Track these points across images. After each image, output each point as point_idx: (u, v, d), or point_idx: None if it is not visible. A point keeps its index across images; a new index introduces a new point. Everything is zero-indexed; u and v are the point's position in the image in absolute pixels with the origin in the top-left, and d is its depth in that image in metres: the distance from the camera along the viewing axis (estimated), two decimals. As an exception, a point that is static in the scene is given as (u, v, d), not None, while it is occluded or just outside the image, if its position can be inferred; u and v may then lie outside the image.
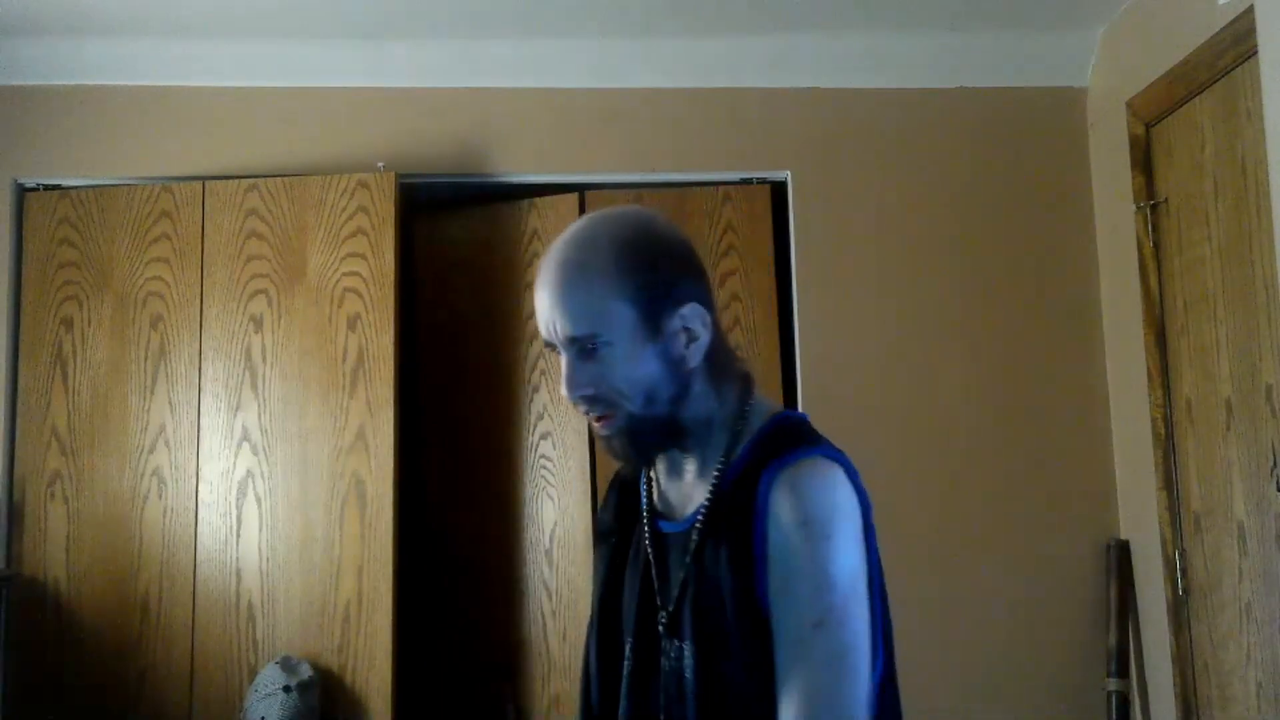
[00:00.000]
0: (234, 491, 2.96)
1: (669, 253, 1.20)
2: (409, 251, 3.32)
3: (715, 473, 1.20)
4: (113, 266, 3.04)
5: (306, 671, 2.77)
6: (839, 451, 1.22)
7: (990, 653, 3.03)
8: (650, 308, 1.16)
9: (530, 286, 3.44)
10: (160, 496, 2.96)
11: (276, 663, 2.77)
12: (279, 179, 3.06)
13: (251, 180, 3.06)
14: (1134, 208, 2.91)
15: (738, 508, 1.16)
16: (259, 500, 2.95)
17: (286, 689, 2.70)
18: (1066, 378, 3.15)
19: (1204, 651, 2.65)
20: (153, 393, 3.00)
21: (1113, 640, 2.95)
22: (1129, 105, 2.94)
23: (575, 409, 1.22)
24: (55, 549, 2.94)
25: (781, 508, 1.13)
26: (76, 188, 3.09)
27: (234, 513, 2.95)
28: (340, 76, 3.15)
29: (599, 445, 3.07)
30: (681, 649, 1.18)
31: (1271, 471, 2.37)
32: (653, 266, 1.17)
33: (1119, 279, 3.05)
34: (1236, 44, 2.42)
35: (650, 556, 1.25)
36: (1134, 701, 2.96)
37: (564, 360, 1.18)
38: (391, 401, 2.94)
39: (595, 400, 1.17)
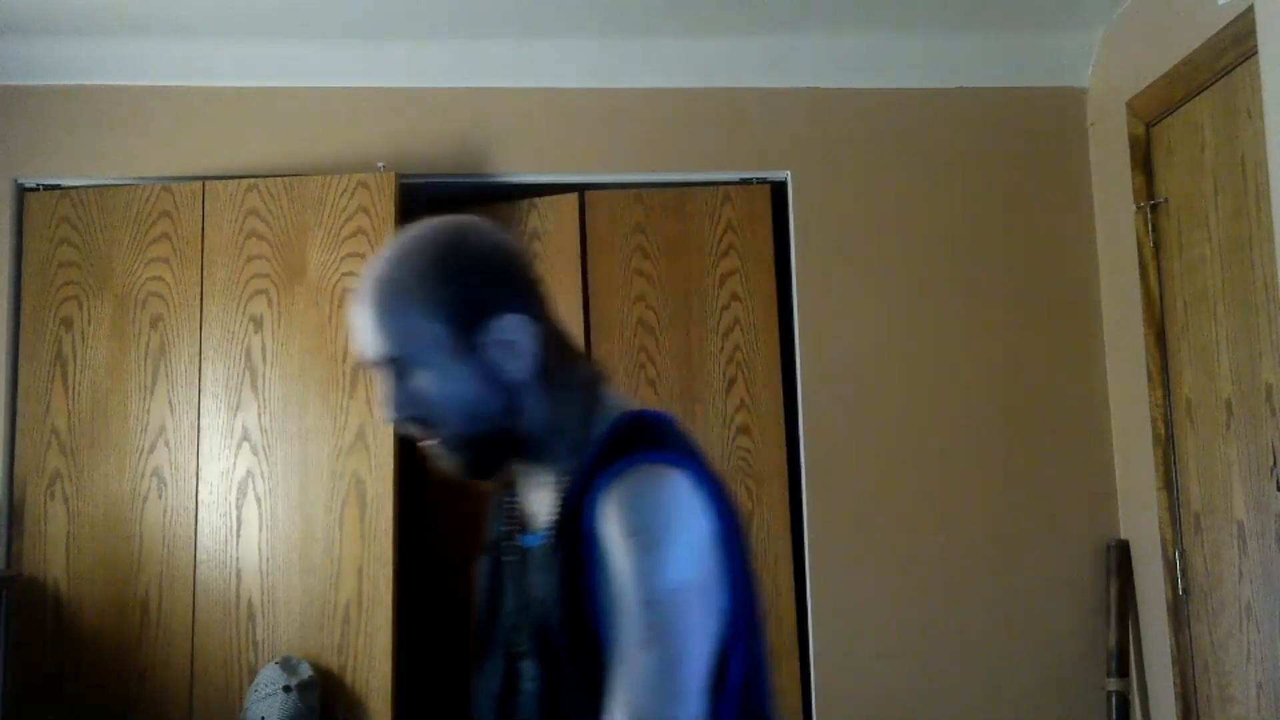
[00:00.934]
0: (234, 491, 2.96)
1: (483, 264, 1.14)
2: (409, 251, 3.31)
3: (563, 483, 1.15)
4: (113, 266, 3.04)
5: (306, 671, 2.77)
6: (687, 456, 1.13)
7: (990, 653, 3.03)
8: (461, 323, 1.11)
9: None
10: (160, 496, 2.96)
11: (276, 663, 2.77)
12: (279, 179, 3.06)
13: (251, 180, 3.06)
14: (1134, 208, 2.91)
15: (571, 520, 1.11)
16: (259, 500, 2.95)
17: (286, 689, 2.70)
18: (1066, 378, 3.15)
19: (1204, 651, 2.65)
20: (153, 393, 3.00)
21: (1113, 640, 2.95)
22: (1129, 105, 2.94)
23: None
24: (55, 549, 2.94)
25: (608, 520, 1.06)
26: (76, 188, 3.09)
27: (234, 513, 2.95)
28: (340, 76, 3.15)
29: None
30: (528, 669, 1.16)
31: (1271, 471, 2.37)
32: (462, 280, 1.12)
33: (1119, 279, 3.05)
34: (1236, 44, 2.42)
35: (509, 571, 1.23)
36: (1134, 701, 2.96)
37: (381, 382, 1.15)
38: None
39: (415, 422, 1.14)
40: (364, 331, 1.13)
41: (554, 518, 1.13)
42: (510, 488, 1.27)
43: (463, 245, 1.15)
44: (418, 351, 1.11)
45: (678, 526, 1.06)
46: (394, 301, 1.11)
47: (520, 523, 1.24)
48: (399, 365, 1.12)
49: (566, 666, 1.09)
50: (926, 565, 3.05)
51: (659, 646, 1.03)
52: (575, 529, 1.10)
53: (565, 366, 1.19)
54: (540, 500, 1.20)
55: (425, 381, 1.11)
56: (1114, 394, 3.12)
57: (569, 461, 1.15)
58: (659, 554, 1.05)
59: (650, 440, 1.13)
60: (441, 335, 1.11)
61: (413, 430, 1.15)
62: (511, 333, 1.13)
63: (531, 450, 1.18)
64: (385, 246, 1.17)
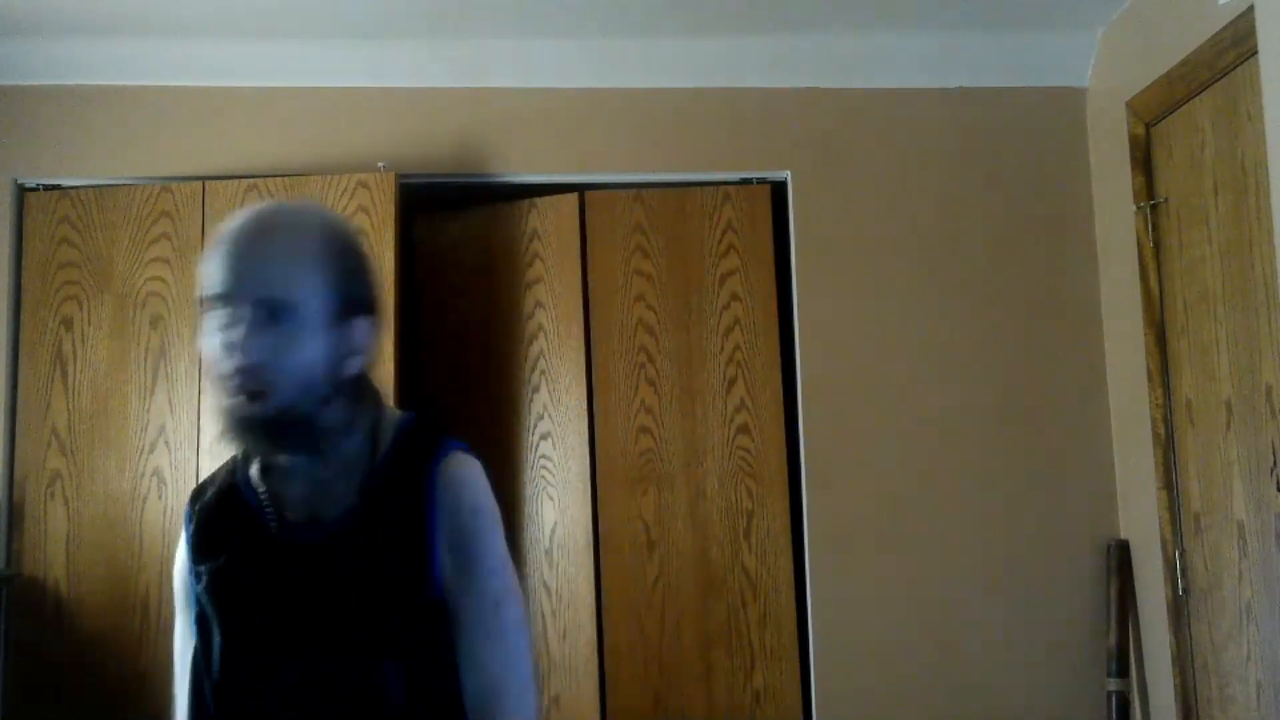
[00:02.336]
0: (234, 491, 2.96)
1: (369, 264, 1.24)
2: (409, 251, 3.32)
3: (360, 476, 1.20)
4: (113, 266, 3.04)
5: (306, 671, 2.77)
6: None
7: (990, 652, 3.03)
8: (344, 298, 1.18)
9: (530, 286, 3.42)
10: (160, 496, 2.96)
11: (276, 663, 2.77)
12: (279, 179, 3.06)
13: (251, 180, 3.06)
14: (1134, 208, 2.91)
15: (400, 505, 1.19)
16: (259, 500, 2.95)
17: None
18: (1066, 378, 3.15)
19: (1204, 651, 2.65)
20: (153, 393, 3.00)
21: (1113, 640, 2.95)
22: (1129, 105, 2.94)
23: (217, 378, 1.14)
24: (55, 549, 2.94)
25: (453, 498, 1.20)
26: (76, 188, 3.09)
27: (234, 513, 2.95)
28: (340, 76, 3.15)
29: (598, 445, 3.08)
30: (341, 658, 1.15)
31: (1271, 471, 2.37)
32: (357, 264, 1.21)
33: (1119, 279, 3.05)
34: (1236, 44, 2.42)
35: (293, 566, 1.18)
36: (1134, 701, 2.96)
37: (236, 322, 1.13)
38: (392, 401, 2.93)
39: (255, 374, 1.13)
40: (246, 263, 1.14)
41: (364, 507, 1.18)
42: (230, 491, 1.24)
43: (358, 238, 1.24)
44: (298, 310, 1.14)
45: (495, 506, 1.24)
46: (295, 250, 1.15)
47: (287, 520, 1.20)
48: (273, 312, 1.13)
49: (399, 645, 1.15)
50: (926, 565, 3.05)
51: (515, 603, 1.21)
52: (411, 511, 1.18)
53: (369, 382, 1.27)
54: (316, 495, 1.20)
55: (285, 339, 1.13)
56: (1114, 394, 3.12)
57: (360, 456, 1.21)
58: (499, 529, 1.23)
59: (445, 431, 1.26)
60: (320, 308, 1.16)
61: (241, 382, 1.13)
62: (363, 334, 1.21)
63: (324, 441, 1.20)
64: (270, 204, 1.21)
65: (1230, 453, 2.54)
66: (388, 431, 1.24)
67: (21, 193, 3.09)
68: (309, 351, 1.15)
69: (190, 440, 2.98)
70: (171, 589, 3.08)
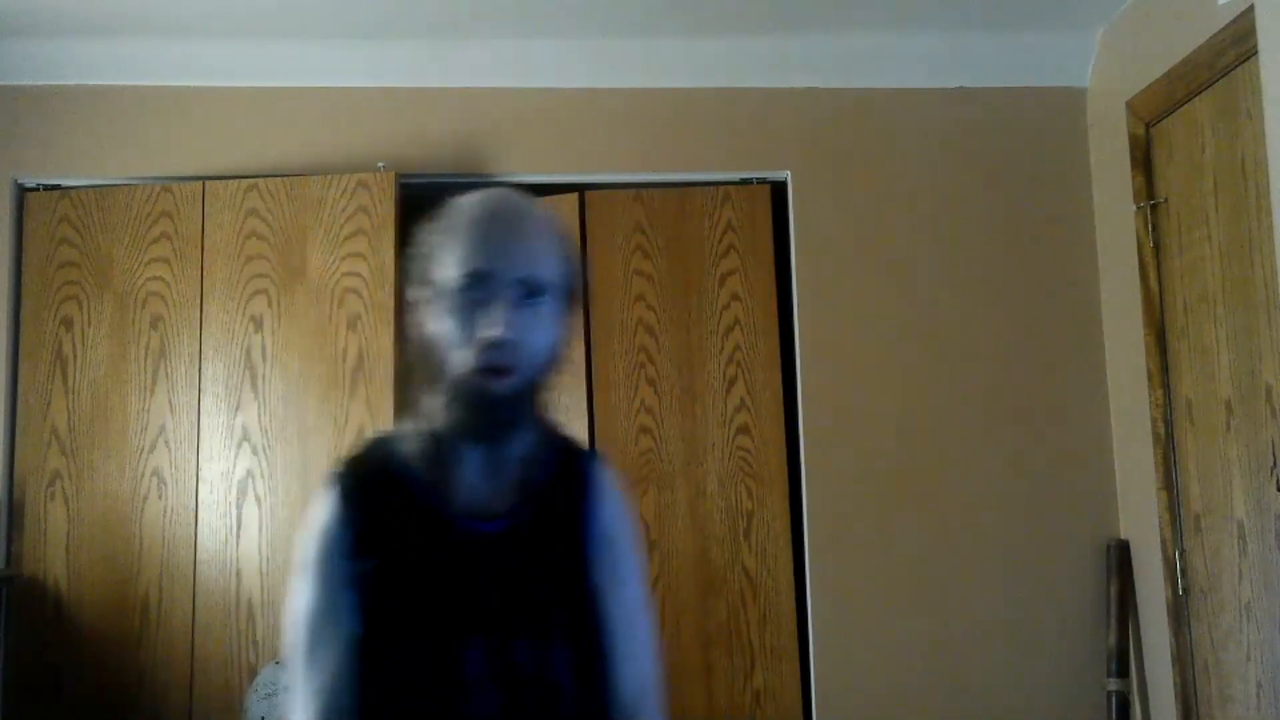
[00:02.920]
0: (234, 491, 2.96)
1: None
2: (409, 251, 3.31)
3: (527, 472, 1.23)
4: (113, 266, 3.04)
5: (306, 671, 2.77)
6: None
7: (990, 652, 3.02)
8: (573, 289, 1.24)
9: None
10: (160, 496, 2.96)
11: (276, 663, 2.77)
12: (279, 179, 3.06)
13: (251, 180, 3.06)
14: (1134, 208, 2.91)
15: (566, 505, 1.24)
16: (259, 500, 2.95)
17: (287, 689, 2.70)
18: (1066, 378, 3.15)
19: (1204, 651, 2.65)
20: (153, 393, 3.00)
21: (1113, 640, 2.95)
22: (1129, 105, 2.94)
23: (471, 353, 1.14)
24: (55, 549, 2.95)
25: (610, 502, 1.28)
26: (76, 188, 3.09)
27: (234, 513, 2.96)
28: (340, 76, 3.15)
29: (598, 445, 3.07)
30: (521, 648, 1.17)
31: (1271, 471, 2.37)
32: (578, 259, 1.27)
33: (1119, 279, 3.05)
34: (1236, 44, 2.42)
35: (473, 555, 1.19)
36: (1134, 701, 2.96)
37: (494, 298, 1.14)
38: (391, 401, 2.94)
39: (508, 350, 1.14)
40: (514, 245, 1.17)
41: (539, 499, 1.22)
42: (441, 479, 1.22)
43: None
44: (548, 292, 1.18)
45: None
46: (551, 238, 1.22)
47: (460, 508, 1.20)
48: (530, 292, 1.16)
49: (576, 634, 1.20)
50: (926, 565, 3.05)
51: (648, 613, 1.29)
52: (574, 510, 1.24)
53: None
54: (488, 483, 1.21)
55: (536, 320, 1.17)
56: (1114, 394, 3.12)
57: (527, 448, 1.23)
58: (638, 537, 1.31)
59: (587, 445, 1.38)
60: (560, 294, 1.21)
61: (493, 357, 1.14)
62: (572, 325, 1.27)
63: (519, 427, 1.21)
64: (502, 192, 1.23)
65: (1230, 453, 2.54)
66: (546, 427, 1.28)
67: (21, 193, 3.09)
68: (551, 335, 1.19)
69: (190, 440, 2.98)
70: (168, 588, 3.07)
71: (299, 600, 1.19)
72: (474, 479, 1.21)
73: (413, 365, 1.22)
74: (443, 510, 1.19)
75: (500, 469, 1.22)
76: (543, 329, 1.17)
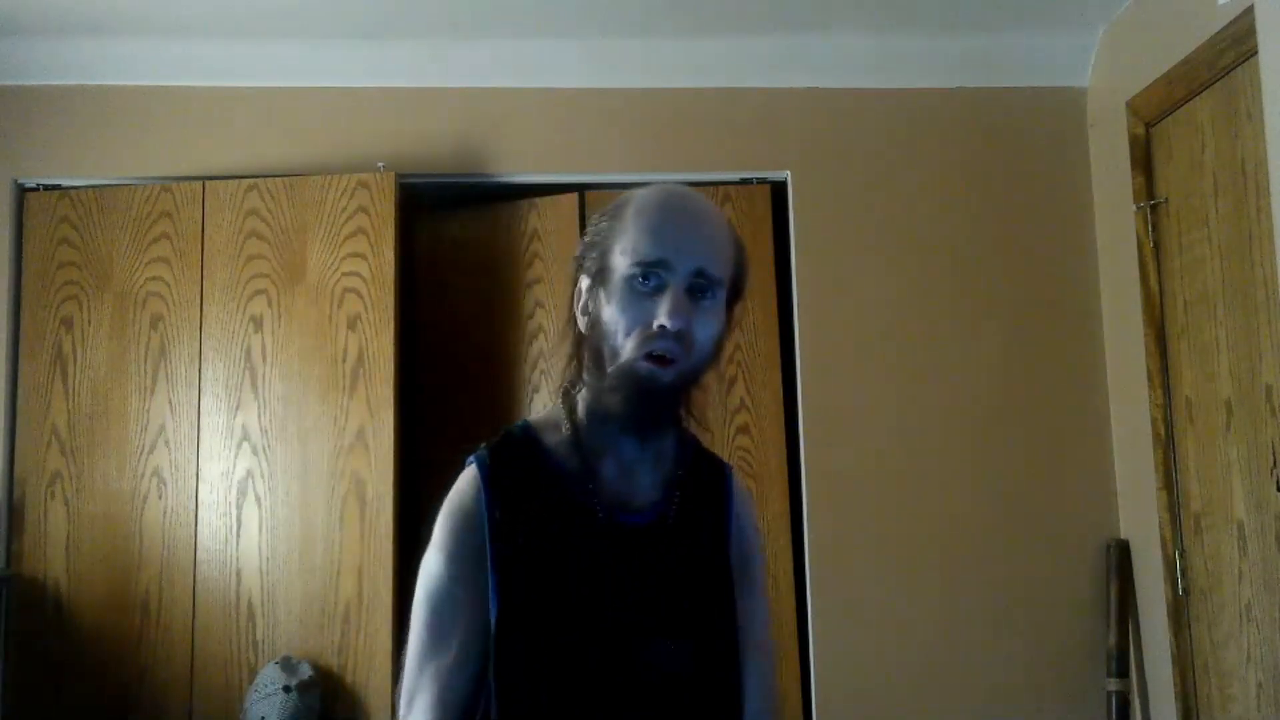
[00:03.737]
0: (234, 491, 2.96)
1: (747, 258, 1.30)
2: (409, 251, 3.31)
3: (669, 469, 1.24)
4: (113, 266, 3.04)
5: (306, 671, 2.77)
6: None
7: (990, 652, 3.02)
8: (738, 285, 1.23)
9: (531, 286, 3.41)
10: (160, 496, 2.96)
11: (276, 663, 2.77)
12: (279, 179, 3.06)
13: (251, 180, 3.06)
14: (1134, 208, 2.91)
15: (707, 505, 1.26)
16: (259, 500, 2.95)
17: (286, 689, 2.70)
18: (1066, 378, 3.15)
19: (1204, 651, 2.65)
20: (153, 393, 3.00)
21: (1113, 640, 2.95)
22: (1129, 105, 2.94)
23: (639, 341, 1.14)
24: (55, 549, 2.94)
25: (746, 505, 1.32)
26: (76, 188, 3.09)
27: (234, 513, 2.95)
28: (340, 76, 3.15)
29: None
30: (665, 646, 1.18)
31: (1271, 471, 2.37)
32: (745, 256, 1.26)
33: (1119, 279, 3.05)
34: (1236, 44, 2.42)
35: (619, 551, 1.19)
36: (1134, 701, 2.96)
37: (667, 288, 1.15)
38: (391, 401, 2.94)
39: (677, 340, 1.15)
40: (689, 238, 1.17)
41: (683, 496, 1.23)
42: (587, 470, 1.22)
43: None
44: (717, 287, 1.18)
45: None
46: (723, 232, 1.22)
47: (610, 501, 1.20)
48: (702, 286, 1.17)
49: (718, 638, 1.22)
50: (926, 565, 3.05)
51: (769, 625, 1.32)
52: (717, 510, 1.27)
53: None
54: (635, 478, 1.22)
55: (703, 312, 1.17)
56: (1114, 394, 3.12)
57: (671, 444, 1.25)
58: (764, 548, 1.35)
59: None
60: (734, 292, 1.22)
61: (663, 346, 1.15)
62: (733, 319, 1.25)
63: (670, 423, 1.23)
64: (676, 188, 1.23)
65: (1230, 453, 2.54)
66: (685, 431, 1.29)
67: (21, 193, 3.09)
68: (715, 328, 1.19)
69: (190, 440, 2.98)
70: (168, 588, 3.07)
71: (432, 578, 1.19)
72: (621, 471, 1.22)
73: (572, 352, 1.23)
74: (589, 500, 1.19)
75: (646, 462, 1.23)
76: (710, 323, 1.18)
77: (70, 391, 3.00)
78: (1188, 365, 2.72)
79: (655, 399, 1.16)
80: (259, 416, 2.98)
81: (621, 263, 1.16)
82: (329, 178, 3.05)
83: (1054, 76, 3.23)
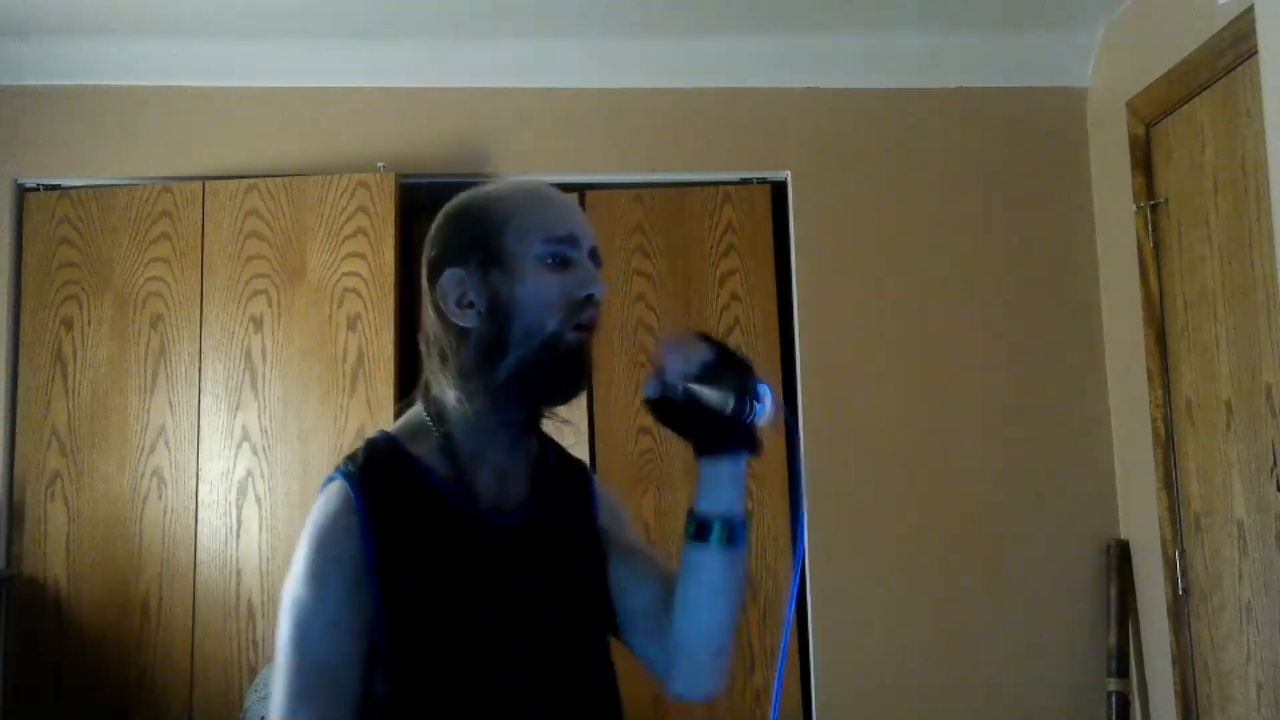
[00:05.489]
0: (234, 491, 2.96)
1: None
2: (409, 251, 3.31)
3: (534, 467, 1.26)
4: (113, 266, 3.04)
5: (306, 671, 2.77)
6: None
7: (990, 652, 3.02)
8: None
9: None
10: (160, 496, 2.96)
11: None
12: (279, 179, 3.06)
13: (251, 180, 3.06)
14: (1134, 208, 2.91)
15: (573, 501, 1.30)
16: (259, 500, 2.95)
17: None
18: (1066, 378, 3.15)
19: (1204, 651, 2.65)
20: (153, 393, 3.00)
21: (1113, 640, 2.95)
22: (1129, 105, 2.94)
23: (564, 314, 1.16)
24: (55, 549, 2.94)
25: (610, 500, 1.36)
26: (76, 188, 3.09)
27: (234, 513, 2.95)
28: (340, 76, 3.15)
29: (598, 445, 3.07)
30: (563, 635, 1.20)
31: (1271, 471, 2.37)
32: None
33: (1119, 279, 3.05)
34: (1236, 44, 2.42)
35: (497, 558, 1.17)
36: (1134, 701, 2.96)
37: (583, 261, 1.20)
38: (392, 401, 2.94)
39: (597, 308, 1.20)
40: (582, 218, 1.24)
41: (550, 491, 1.25)
42: (463, 477, 1.19)
43: None
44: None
45: None
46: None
47: (479, 503, 1.18)
48: (596, 262, 1.23)
49: (598, 631, 1.26)
50: (926, 565, 3.05)
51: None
52: (582, 507, 1.30)
53: None
54: (504, 475, 1.21)
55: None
56: (1114, 394, 3.12)
57: (530, 447, 1.27)
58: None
59: None
60: None
61: (590, 315, 1.20)
62: None
63: (579, 391, 1.23)
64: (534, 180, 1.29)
65: (1230, 453, 2.54)
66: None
67: (21, 193, 3.09)
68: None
69: (190, 440, 2.98)
70: (168, 588, 3.06)
71: (305, 614, 1.13)
72: (494, 474, 1.20)
73: (445, 353, 1.19)
74: (468, 507, 1.17)
75: (516, 463, 1.23)
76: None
77: (70, 391, 3.00)
78: (1188, 365, 2.72)
79: (585, 367, 1.19)
80: (259, 416, 2.98)
81: (526, 244, 1.17)
82: (329, 178, 3.05)
83: (1054, 76, 3.23)
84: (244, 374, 3.00)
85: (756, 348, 3.11)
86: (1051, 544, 3.07)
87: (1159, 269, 2.84)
